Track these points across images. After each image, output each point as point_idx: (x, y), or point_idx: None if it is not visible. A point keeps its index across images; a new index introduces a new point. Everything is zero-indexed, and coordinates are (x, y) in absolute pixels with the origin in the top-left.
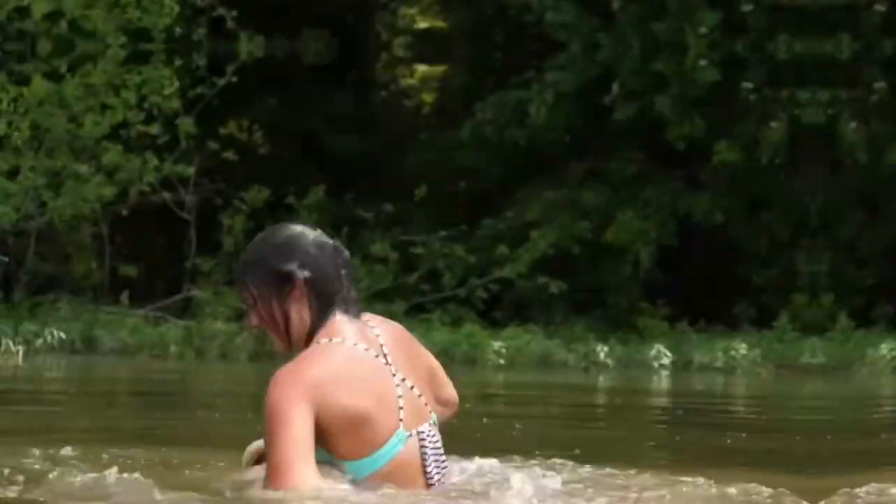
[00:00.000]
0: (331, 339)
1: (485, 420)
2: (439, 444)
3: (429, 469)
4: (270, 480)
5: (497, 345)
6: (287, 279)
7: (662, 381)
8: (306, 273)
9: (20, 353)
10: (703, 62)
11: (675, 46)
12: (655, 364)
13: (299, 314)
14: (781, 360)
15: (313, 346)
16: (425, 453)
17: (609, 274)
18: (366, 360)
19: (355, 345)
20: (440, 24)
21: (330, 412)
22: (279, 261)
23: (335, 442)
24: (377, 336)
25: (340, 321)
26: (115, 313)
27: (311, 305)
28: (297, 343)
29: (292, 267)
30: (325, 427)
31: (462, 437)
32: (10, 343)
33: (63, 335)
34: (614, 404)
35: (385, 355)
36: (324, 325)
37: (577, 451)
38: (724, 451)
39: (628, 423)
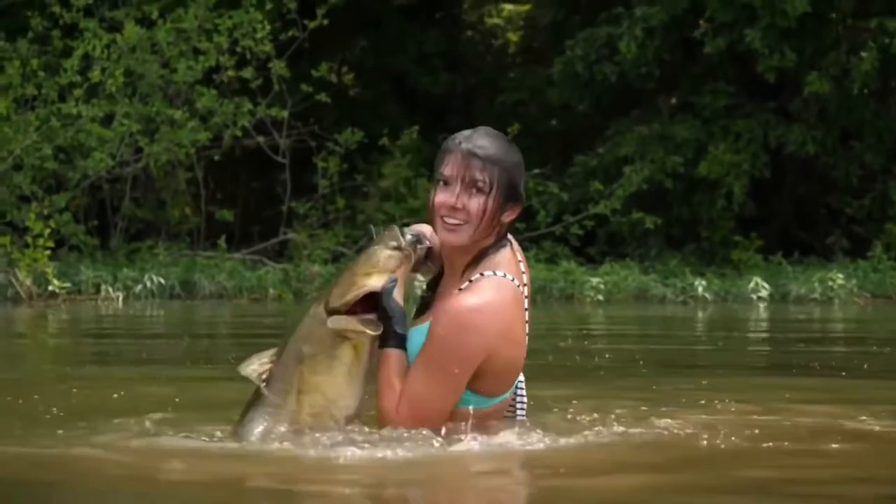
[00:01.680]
0: (496, 273)
1: (607, 356)
2: (524, 383)
3: (519, 405)
4: (405, 413)
5: (595, 281)
6: (517, 199)
7: (762, 312)
8: (522, 204)
9: (120, 298)
10: None
11: None
12: (754, 296)
13: (497, 228)
14: (877, 290)
15: (494, 281)
16: (521, 392)
17: (702, 207)
18: (522, 303)
19: (516, 283)
20: None
21: (494, 360)
22: (522, 178)
23: (481, 381)
24: (523, 272)
25: (507, 250)
26: (212, 258)
27: (503, 228)
28: (470, 246)
29: (523, 191)
30: (481, 369)
31: (586, 371)
32: (110, 289)
33: (162, 280)
34: (723, 336)
35: (526, 297)
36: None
37: (705, 383)
38: (838, 378)
39: (743, 354)
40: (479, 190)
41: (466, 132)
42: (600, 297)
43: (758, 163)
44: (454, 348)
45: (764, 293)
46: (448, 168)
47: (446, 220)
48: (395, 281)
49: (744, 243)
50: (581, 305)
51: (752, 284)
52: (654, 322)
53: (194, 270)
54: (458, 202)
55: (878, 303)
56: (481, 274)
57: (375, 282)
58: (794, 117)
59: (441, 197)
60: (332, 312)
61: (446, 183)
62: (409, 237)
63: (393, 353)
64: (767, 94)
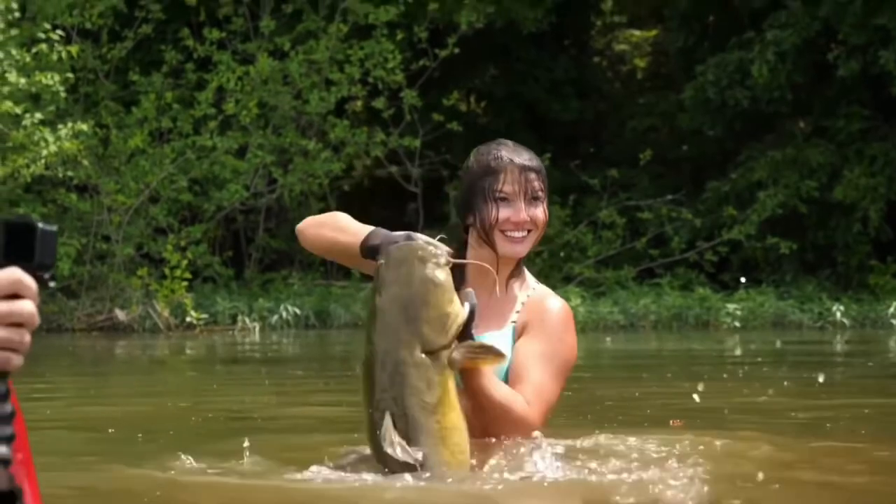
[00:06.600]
0: (540, 285)
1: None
2: None
3: None
4: (542, 412)
5: (731, 307)
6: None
7: None
8: None
9: (256, 329)
10: None
11: None
12: (894, 321)
13: None
14: None
15: (549, 291)
16: None
17: (838, 232)
18: None
19: None
20: None
21: None
22: None
23: None
24: None
25: None
26: (346, 287)
27: None
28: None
29: None
30: None
31: (745, 404)
32: (247, 319)
33: (297, 310)
34: (869, 364)
35: None
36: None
37: (868, 413)
38: None
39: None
40: (538, 199)
41: (500, 151)
42: (737, 324)
43: (894, 186)
44: (569, 346)
45: None
46: (507, 185)
47: (510, 234)
48: (473, 295)
49: (880, 268)
50: (717, 332)
51: (891, 309)
52: (799, 349)
53: (329, 300)
54: (525, 215)
55: None
56: (533, 288)
57: (460, 307)
58: None
59: (505, 213)
60: (434, 351)
61: (505, 199)
62: (436, 243)
63: (489, 368)
64: None
